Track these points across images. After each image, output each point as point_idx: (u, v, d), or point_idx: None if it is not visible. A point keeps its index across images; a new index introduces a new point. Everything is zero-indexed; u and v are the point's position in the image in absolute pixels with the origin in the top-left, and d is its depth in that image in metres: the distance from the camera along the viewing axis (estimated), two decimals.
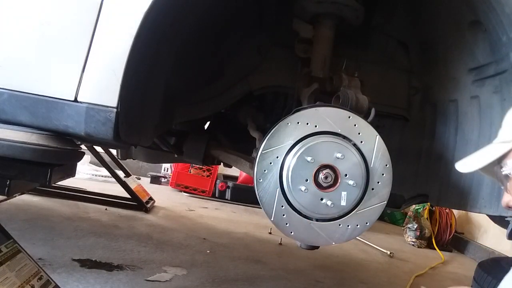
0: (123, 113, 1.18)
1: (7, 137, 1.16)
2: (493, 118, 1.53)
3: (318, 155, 1.30)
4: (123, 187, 3.93)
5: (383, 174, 1.34)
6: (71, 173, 1.46)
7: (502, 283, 0.80)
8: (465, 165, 1.07)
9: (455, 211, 5.04)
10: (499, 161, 0.98)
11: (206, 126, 2.31)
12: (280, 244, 3.58)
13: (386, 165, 1.34)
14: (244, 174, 5.47)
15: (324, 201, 1.31)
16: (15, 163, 1.21)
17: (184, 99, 1.74)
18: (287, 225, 1.33)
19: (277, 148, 1.32)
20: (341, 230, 1.35)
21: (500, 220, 2.75)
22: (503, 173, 0.95)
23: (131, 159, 2.82)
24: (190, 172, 5.68)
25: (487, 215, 2.04)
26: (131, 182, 4.11)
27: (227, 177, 5.92)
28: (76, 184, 4.05)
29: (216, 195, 5.65)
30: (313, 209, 1.31)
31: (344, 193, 1.31)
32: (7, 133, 1.16)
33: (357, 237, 3.51)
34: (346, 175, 1.31)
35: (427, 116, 1.90)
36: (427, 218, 4.91)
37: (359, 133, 1.34)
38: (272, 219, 1.33)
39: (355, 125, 1.34)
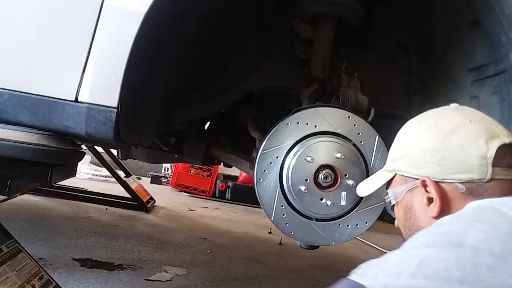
0: (124, 113, 1.18)
1: (8, 137, 1.16)
2: (493, 119, 1.52)
3: (318, 155, 1.30)
4: (123, 187, 3.94)
5: None
6: (72, 173, 1.47)
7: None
8: (364, 189, 1.10)
9: None
10: (385, 188, 1.01)
11: (206, 126, 2.31)
12: (280, 243, 3.58)
13: None
14: (244, 174, 5.48)
15: (324, 201, 1.31)
16: (16, 163, 1.21)
17: (184, 99, 1.74)
18: (287, 225, 1.34)
19: (277, 148, 1.33)
20: (341, 230, 1.35)
21: None
22: (386, 200, 0.98)
23: (132, 159, 2.82)
24: (190, 172, 5.69)
25: None
26: (132, 182, 4.11)
27: (227, 177, 5.92)
28: (76, 184, 4.06)
29: (216, 195, 5.66)
30: (313, 209, 1.32)
31: (344, 193, 1.32)
32: (8, 133, 1.16)
33: (357, 237, 3.51)
34: (346, 175, 1.31)
35: None
36: None
37: (359, 133, 1.34)
38: (272, 219, 1.33)
39: (355, 125, 1.34)
